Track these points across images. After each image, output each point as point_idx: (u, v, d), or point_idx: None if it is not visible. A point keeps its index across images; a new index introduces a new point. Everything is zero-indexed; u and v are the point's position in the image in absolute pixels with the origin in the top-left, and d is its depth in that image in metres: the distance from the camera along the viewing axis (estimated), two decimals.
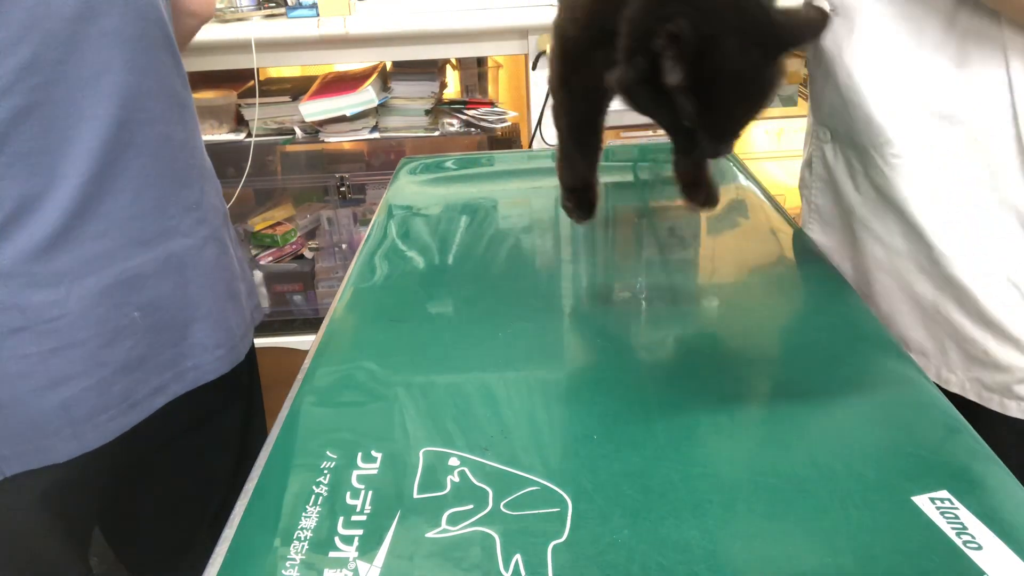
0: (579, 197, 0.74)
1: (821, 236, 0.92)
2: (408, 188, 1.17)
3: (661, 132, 0.61)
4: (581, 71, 0.68)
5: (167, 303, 0.77)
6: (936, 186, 0.75)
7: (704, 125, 0.54)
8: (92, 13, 0.68)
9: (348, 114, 1.78)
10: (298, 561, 0.48)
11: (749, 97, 0.55)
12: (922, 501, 0.51)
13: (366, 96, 1.77)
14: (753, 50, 0.53)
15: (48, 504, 0.74)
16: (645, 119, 0.59)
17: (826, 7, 0.78)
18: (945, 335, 0.79)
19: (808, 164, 0.93)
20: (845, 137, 0.83)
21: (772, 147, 2.00)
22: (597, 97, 0.70)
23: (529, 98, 1.78)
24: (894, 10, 0.74)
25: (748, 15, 0.54)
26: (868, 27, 0.76)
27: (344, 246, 2.05)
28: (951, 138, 0.74)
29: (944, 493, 0.51)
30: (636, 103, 0.59)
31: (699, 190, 0.72)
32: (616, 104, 0.65)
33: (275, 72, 2.08)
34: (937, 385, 0.78)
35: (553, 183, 0.82)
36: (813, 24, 0.56)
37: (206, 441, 0.91)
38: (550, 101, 0.75)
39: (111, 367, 0.72)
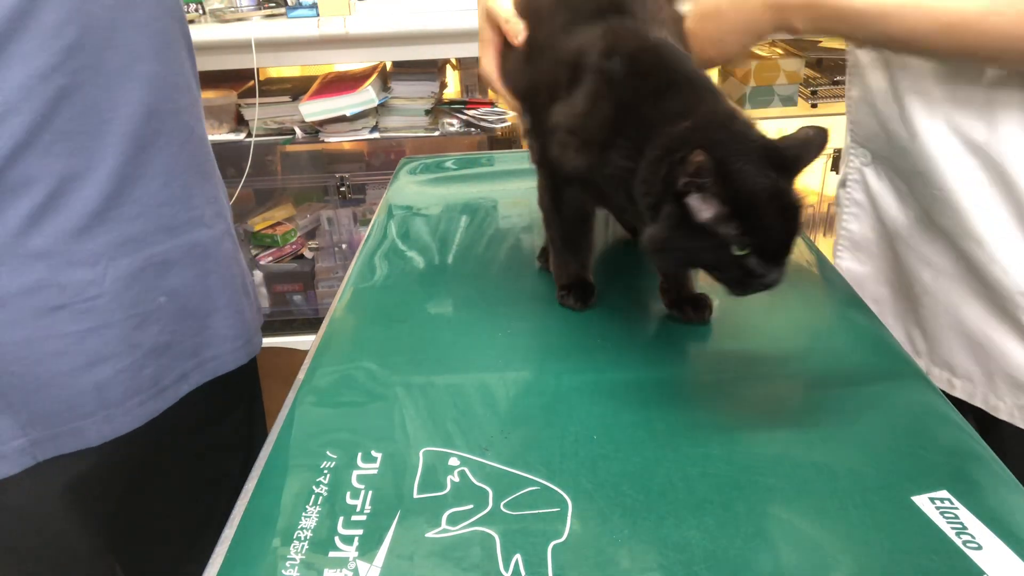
0: (575, 293, 0.78)
1: (853, 263, 0.91)
2: (408, 188, 1.17)
3: None
4: (571, 184, 0.73)
5: (190, 291, 0.78)
6: (978, 214, 0.73)
7: (752, 244, 0.56)
8: (129, 3, 0.70)
9: (348, 114, 1.78)
10: (298, 561, 0.48)
11: (783, 210, 0.57)
12: (922, 501, 0.51)
13: (366, 96, 1.77)
14: (770, 170, 0.56)
15: (72, 496, 0.75)
16: None
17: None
18: (992, 361, 0.77)
19: (843, 184, 0.91)
20: (887, 160, 0.82)
21: None
22: (586, 206, 0.76)
23: None
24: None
25: (752, 142, 0.58)
26: (900, 64, 0.75)
27: (344, 246, 2.05)
28: (986, 169, 0.72)
29: (944, 493, 0.51)
30: (677, 254, 0.60)
31: (685, 305, 0.75)
32: None
33: (275, 72, 2.08)
34: (981, 409, 0.77)
35: None
36: (816, 143, 0.59)
37: (214, 441, 0.91)
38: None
39: (142, 350, 0.73)
